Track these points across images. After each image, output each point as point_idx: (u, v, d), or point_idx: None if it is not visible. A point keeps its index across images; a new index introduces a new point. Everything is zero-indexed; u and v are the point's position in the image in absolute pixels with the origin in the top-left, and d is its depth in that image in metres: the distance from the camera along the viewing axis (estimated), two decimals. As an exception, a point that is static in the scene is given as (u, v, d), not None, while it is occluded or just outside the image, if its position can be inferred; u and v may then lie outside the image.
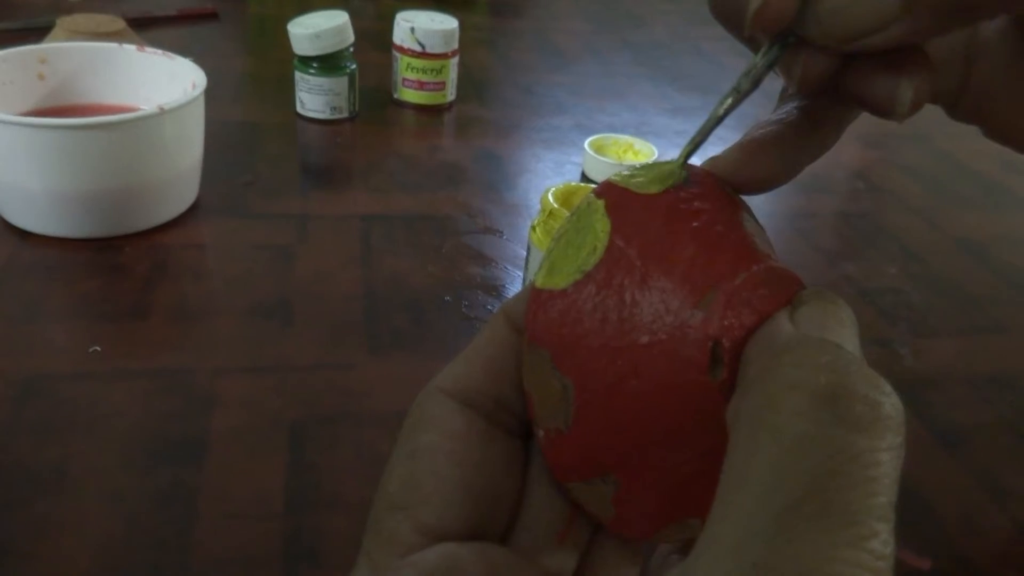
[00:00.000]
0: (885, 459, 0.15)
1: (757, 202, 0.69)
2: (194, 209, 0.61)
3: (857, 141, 0.87)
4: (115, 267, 0.53)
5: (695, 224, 0.20)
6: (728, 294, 0.19)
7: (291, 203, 0.63)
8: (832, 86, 0.21)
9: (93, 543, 0.36)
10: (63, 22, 0.74)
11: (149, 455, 0.40)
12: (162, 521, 0.37)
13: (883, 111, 0.21)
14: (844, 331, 0.17)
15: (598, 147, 0.73)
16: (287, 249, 0.58)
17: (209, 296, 0.52)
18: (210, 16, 0.98)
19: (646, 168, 0.22)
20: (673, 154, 0.78)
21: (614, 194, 0.21)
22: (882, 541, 0.15)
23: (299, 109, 0.77)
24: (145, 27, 0.91)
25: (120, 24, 0.76)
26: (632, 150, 0.73)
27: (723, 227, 0.20)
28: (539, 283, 0.21)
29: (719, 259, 0.19)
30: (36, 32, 0.84)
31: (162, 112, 0.54)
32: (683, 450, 0.20)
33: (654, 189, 0.21)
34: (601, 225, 0.21)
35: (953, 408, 0.51)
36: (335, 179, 0.68)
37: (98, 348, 0.47)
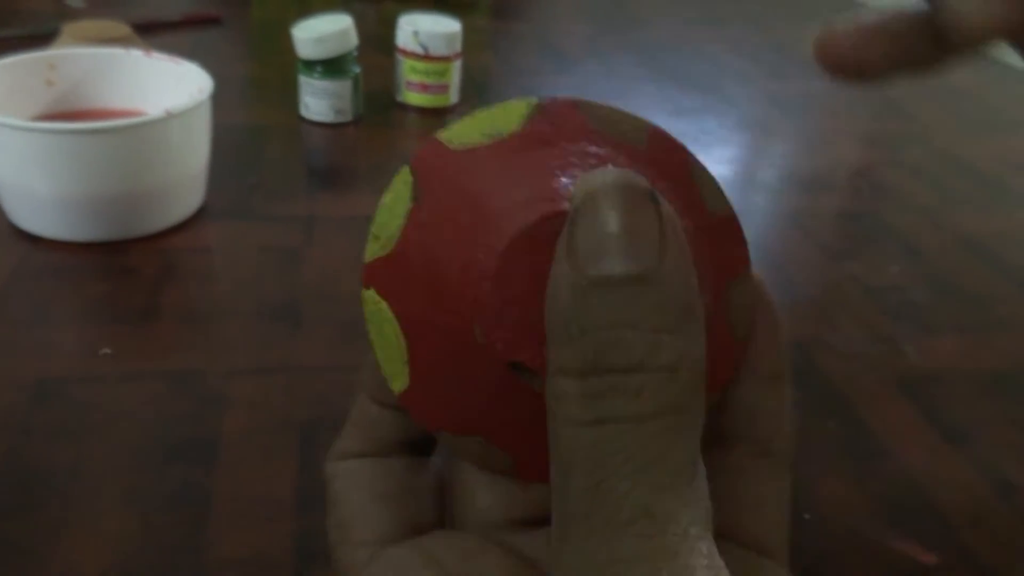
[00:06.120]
0: (650, 429, 0.14)
1: (759, 200, 0.69)
2: (201, 212, 0.61)
3: (859, 140, 0.87)
4: (124, 270, 0.54)
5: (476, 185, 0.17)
6: (491, 302, 0.16)
7: (297, 205, 0.64)
8: None
9: (106, 545, 0.36)
10: (69, 28, 0.75)
11: (161, 457, 0.41)
12: (174, 522, 0.38)
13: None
14: (610, 247, 0.14)
15: (601, 148, 0.73)
16: (294, 251, 0.58)
17: (217, 298, 0.52)
18: (214, 21, 0.99)
19: (484, 113, 0.18)
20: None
21: (424, 163, 0.18)
22: (657, 521, 0.14)
23: (303, 112, 0.77)
24: (149, 33, 0.92)
25: (125, 30, 0.76)
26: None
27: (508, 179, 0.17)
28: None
29: (485, 237, 0.16)
30: (42, 39, 0.85)
31: (169, 116, 0.54)
32: None
33: (472, 141, 0.18)
34: (401, 205, 0.18)
35: (957, 404, 0.51)
36: (341, 181, 0.68)
37: (108, 351, 0.47)
